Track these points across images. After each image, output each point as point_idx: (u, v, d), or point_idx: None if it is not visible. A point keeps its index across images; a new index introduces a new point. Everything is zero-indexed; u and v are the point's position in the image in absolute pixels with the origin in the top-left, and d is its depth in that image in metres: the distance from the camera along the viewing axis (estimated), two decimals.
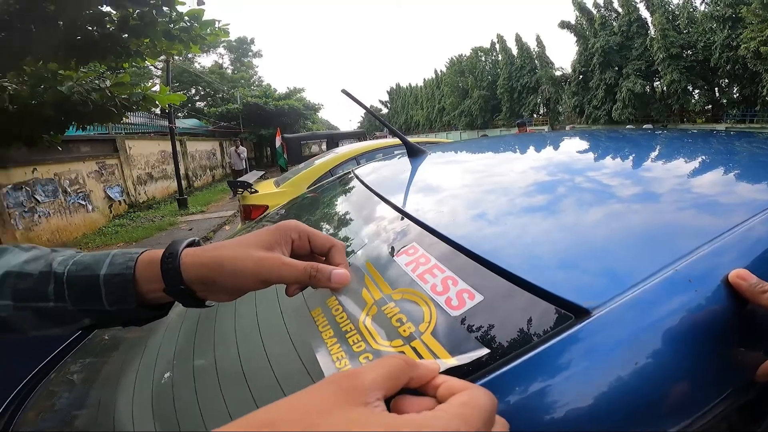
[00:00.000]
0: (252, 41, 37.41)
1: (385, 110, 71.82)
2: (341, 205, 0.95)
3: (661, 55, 24.69)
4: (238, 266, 0.43)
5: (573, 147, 1.04)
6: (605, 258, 0.42)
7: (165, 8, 4.66)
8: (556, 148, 1.04)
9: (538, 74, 35.84)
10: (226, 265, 0.44)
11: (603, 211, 0.52)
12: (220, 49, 35.66)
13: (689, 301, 0.35)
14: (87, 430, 0.66)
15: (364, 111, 1.10)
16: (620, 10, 28.27)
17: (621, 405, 0.31)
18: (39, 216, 6.85)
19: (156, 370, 0.74)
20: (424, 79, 58.43)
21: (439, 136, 29.51)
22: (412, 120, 58.82)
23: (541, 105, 36.95)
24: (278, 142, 12.15)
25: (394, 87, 70.87)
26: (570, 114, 33.30)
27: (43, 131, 5.38)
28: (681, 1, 25.43)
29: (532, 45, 36.77)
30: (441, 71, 52.49)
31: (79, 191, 7.89)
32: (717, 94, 25.40)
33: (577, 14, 30.53)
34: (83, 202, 7.98)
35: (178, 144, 11.45)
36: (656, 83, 28.01)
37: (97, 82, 5.30)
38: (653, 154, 0.86)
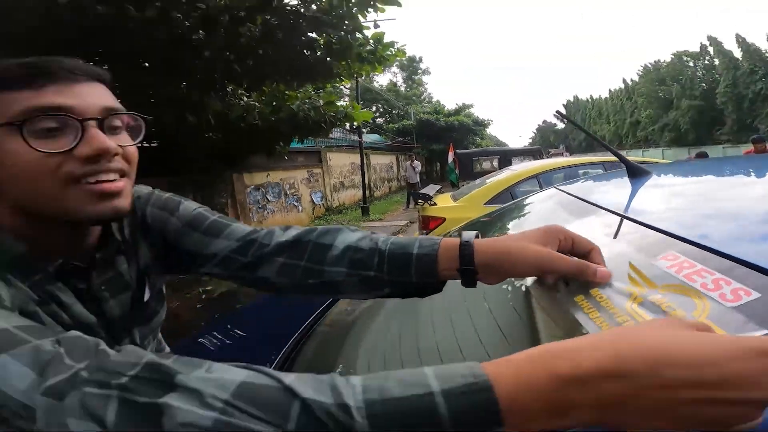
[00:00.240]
0: (420, 59, 38.00)
1: (560, 126, 66.35)
2: (559, 220, 1.00)
3: None
4: (522, 255, 0.54)
5: None
6: None
7: (356, 33, 5.15)
8: None
9: None
10: (513, 253, 0.55)
11: None
12: (394, 68, 36.90)
13: None
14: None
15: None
16: None
17: None
18: (267, 212, 8.82)
19: (378, 337, 0.97)
20: (610, 90, 51.97)
21: (631, 154, 25.46)
22: (596, 135, 52.21)
23: None
24: (450, 157, 12.36)
25: (572, 100, 65.05)
26: None
27: (276, 143, 6.57)
28: None
29: (763, 45, 28.75)
30: (632, 80, 45.98)
31: (294, 194, 9.82)
32: None
33: None
34: (296, 204, 9.91)
35: (364, 157, 13.03)
36: None
37: (313, 101, 6.20)
38: None
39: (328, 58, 5.37)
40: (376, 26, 5.22)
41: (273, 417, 0.30)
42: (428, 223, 4.31)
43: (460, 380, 0.30)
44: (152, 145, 5.58)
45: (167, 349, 0.84)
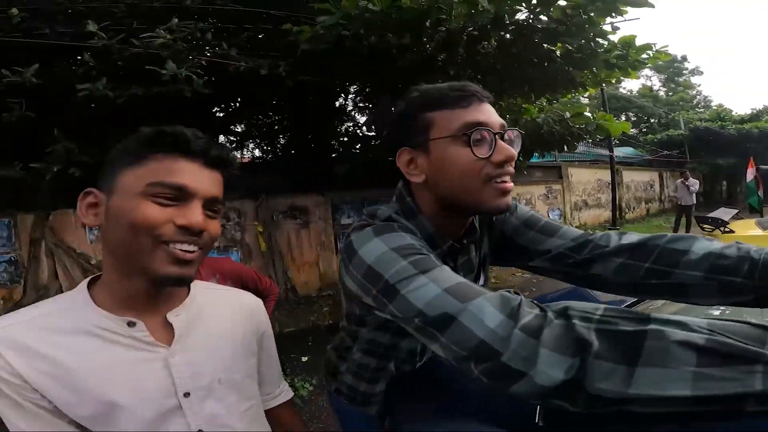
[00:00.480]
0: (684, 58, 32.37)
1: None
2: None
3: None
4: None
5: None
6: None
7: (598, 39, 4.74)
8: None
9: None
10: None
11: None
12: (646, 71, 32.10)
13: None
14: None
15: None
16: None
17: None
18: None
19: None
20: None
21: None
22: None
23: None
24: (750, 175, 9.41)
25: None
26: None
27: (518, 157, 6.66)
28: None
29: None
30: None
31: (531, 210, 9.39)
32: None
33: None
34: None
35: (614, 173, 11.22)
36: None
37: (558, 112, 5.86)
38: None
39: (569, 68, 5.15)
40: (615, 29, 4.76)
41: (751, 340, 0.40)
42: None
43: None
44: None
45: None
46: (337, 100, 7.41)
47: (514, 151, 0.69)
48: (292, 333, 4.60)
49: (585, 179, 11.60)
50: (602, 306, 0.46)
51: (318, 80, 4.91)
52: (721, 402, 0.39)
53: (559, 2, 4.20)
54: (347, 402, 0.97)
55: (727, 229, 3.66)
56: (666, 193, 16.42)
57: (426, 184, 0.73)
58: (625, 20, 4.74)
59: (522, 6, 4.23)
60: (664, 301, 1.20)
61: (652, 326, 0.42)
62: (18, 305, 4.64)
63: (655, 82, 33.67)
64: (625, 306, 1.21)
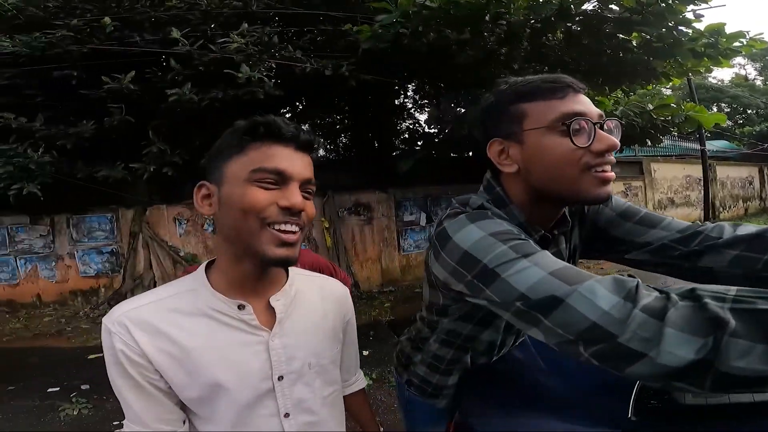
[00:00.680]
0: None
1: None
2: None
3: None
4: None
5: None
6: None
7: (681, 27, 4.45)
8: None
9: None
10: None
11: None
12: (740, 60, 28.04)
13: None
14: None
15: None
16: None
17: None
18: None
19: None
20: None
21: None
22: None
23: None
24: None
25: None
26: None
27: None
28: None
29: None
30: None
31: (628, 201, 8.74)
32: None
33: None
34: None
35: (707, 169, 10.06)
36: None
37: (641, 104, 5.45)
38: None
39: (648, 58, 4.87)
40: (699, 17, 4.48)
41: None
42: None
43: None
44: (469, 155, 6.21)
45: None
46: (398, 98, 7.45)
47: (617, 140, 0.68)
48: None
49: (671, 175, 10.53)
50: (733, 288, 0.46)
51: (379, 79, 4.97)
52: None
53: None
54: (417, 394, 0.98)
55: None
56: (767, 190, 14.41)
57: (518, 174, 0.73)
58: (710, 7, 4.36)
59: None
60: None
61: None
62: (117, 293, 5.26)
63: (750, 71, 29.77)
64: None
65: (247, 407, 0.70)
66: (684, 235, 0.77)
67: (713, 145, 17.57)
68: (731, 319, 0.43)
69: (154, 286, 5.15)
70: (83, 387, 3.35)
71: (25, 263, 5.38)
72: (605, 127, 0.69)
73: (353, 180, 6.01)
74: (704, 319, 0.44)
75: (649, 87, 6.17)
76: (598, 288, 0.51)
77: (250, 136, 0.67)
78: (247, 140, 0.67)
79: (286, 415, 0.72)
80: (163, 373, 0.67)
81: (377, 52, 4.45)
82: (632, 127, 5.24)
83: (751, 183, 14.43)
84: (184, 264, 5.22)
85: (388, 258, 6.18)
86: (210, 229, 5.43)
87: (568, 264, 0.58)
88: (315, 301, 0.80)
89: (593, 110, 0.69)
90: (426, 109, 7.91)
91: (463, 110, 4.94)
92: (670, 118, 5.41)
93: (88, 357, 3.96)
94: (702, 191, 9.88)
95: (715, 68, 5.32)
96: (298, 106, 6.67)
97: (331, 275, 2.29)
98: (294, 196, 0.65)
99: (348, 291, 0.90)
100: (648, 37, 4.57)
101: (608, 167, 0.69)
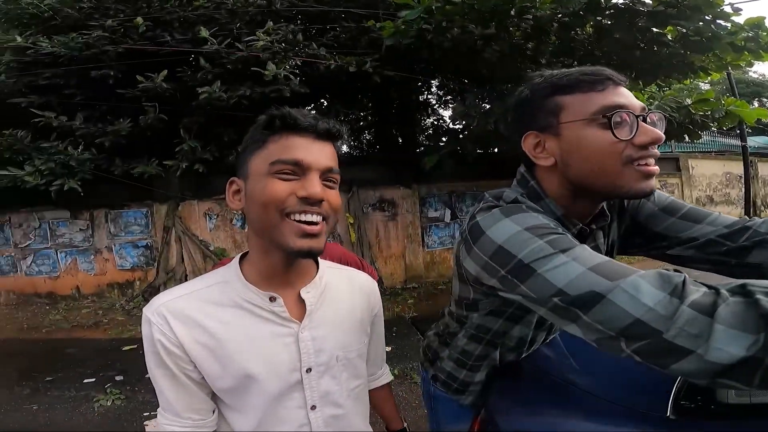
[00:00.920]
0: None
1: None
2: None
3: None
4: None
5: None
6: None
7: (719, 21, 4.29)
8: None
9: None
10: None
11: None
12: None
13: None
14: None
15: None
16: None
17: None
18: None
19: None
20: None
21: None
22: None
23: None
24: None
25: None
26: None
27: None
28: None
29: None
30: None
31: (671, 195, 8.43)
32: None
33: None
34: None
35: (748, 166, 9.53)
36: None
37: (678, 100, 5.30)
38: None
39: (685, 52, 4.72)
40: (737, 10, 4.34)
41: None
42: None
43: None
44: (495, 151, 6.11)
45: None
46: (422, 94, 7.40)
47: (661, 133, 0.66)
48: None
49: (710, 172, 10.03)
50: None
51: (402, 75, 4.95)
52: None
53: None
54: (443, 389, 0.97)
55: None
56: None
57: (555, 167, 0.72)
58: (749, 1, 4.18)
59: None
60: None
61: None
62: (151, 286, 5.46)
63: None
64: None
65: (275, 398, 0.71)
66: (732, 230, 0.74)
67: (755, 141, 16.56)
68: None
69: (185, 280, 5.28)
70: (117, 378, 3.46)
71: (65, 256, 5.66)
72: (648, 119, 0.67)
73: (378, 176, 6.02)
74: (757, 315, 0.43)
75: (687, 82, 5.88)
76: (642, 284, 0.50)
77: (269, 130, 0.68)
78: (267, 134, 0.68)
79: (313, 407, 0.73)
80: (197, 363, 0.69)
81: (401, 48, 4.43)
82: (669, 122, 5.10)
83: None
84: (214, 258, 5.37)
85: (412, 254, 6.16)
86: (238, 224, 5.56)
87: (609, 259, 0.57)
88: (344, 293, 0.81)
89: (635, 103, 0.67)
90: (450, 105, 7.83)
91: (488, 105, 4.87)
92: (709, 113, 5.20)
93: (123, 348, 4.11)
94: (743, 189, 9.37)
95: (756, 62, 5.13)
96: (323, 102, 6.74)
97: (359, 268, 2.30)
98: (312, 185, 0.65)
99: (376, 284, 0.90)
100: (684, 30, 4.40)
101: (652, 161, 0.67)
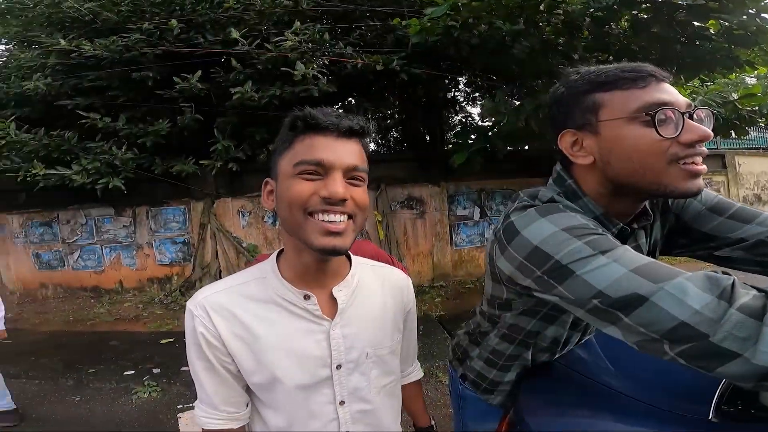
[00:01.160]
0: None
1: None
2: None
3: None
4: None
5: None
6: None
7: (764, 15, 4.03)
8: None
9: None
10: None
11: None
12: None
13: None
14: None
15: None
16: None
17: None
18: None
19: None
20: None
21: None
22: None
23: None
24: None
25: None
26: None
27: None
28: None
29: None
30: None
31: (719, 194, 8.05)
32: None
33: None
34: None
35: None
36: None
37: (725, 94, 5.03)
38: None
39: (729, 46, 4.50)
40: None
41: None
42: None
43: None
44: (525, 148, 5.98)
45: None
46: (449, 92, 7.31)
47: (709, 130, 0.64)
48: None
49: (758, 169, 9.43)
50: None
51: (430, 72, 4.91)
52: None
53: None
54: (471, 388, 0.97)
55: None
56: None
57: (594, 166, 0.71)
58: None
59: None
60: None
61: None
62: (187, 281, 5.67)
63: None
64: None
65: (305, 394, 0.72)
66: None
67: None
68: None
69: (220, 276, 5.44)
70: (155, 371, 3.56)
71: (109, 252, 5.96)
72: (695, 116, 0.65)
73: (406, 173, 6.01)
74: None
75: (732, 76, 5.58)
76: (688, 286, 0.49)
77: (294, 131, 0.69)
78: (292, 135, 0.69)
79: (341, 402, 0.74)
80: (234, 356, 0.71)
81: (427, 46, 4.39)
82: (715, 119, 4.87)
83: None
84: (246, 254, 5.52)
85: (440, 252, 6.12)
86: (270, 221, 5.69)
87: (652, 260, 0.56)
88: (376, 291, 0.81)
89: (680, 99, 0.65)
90: (478, 102, 7.71)
91: (519, 102, 4.77)
92: (756, 108, 4.95)
93: (161, 342, 4.25)
94: None
95: None
96: (350, 101, 6.79)
97: None
98: (334, 185, 0.65)
99: (410, 281, 0.90)
100: (727, 24, 4.18)
101: (699, 159, 0.65)
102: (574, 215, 0.65)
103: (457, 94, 7.95)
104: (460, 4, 3.90)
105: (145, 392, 3.23)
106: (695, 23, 4.26)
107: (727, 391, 0.64)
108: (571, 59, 4.49)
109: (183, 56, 4.67)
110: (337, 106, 6.62)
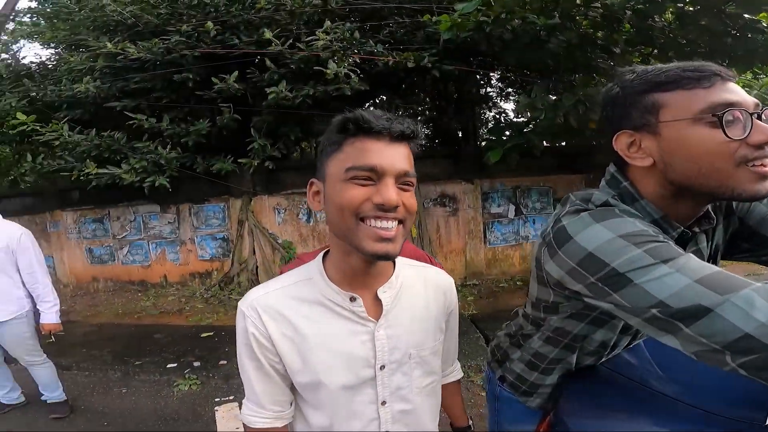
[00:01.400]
0: None
1: None
2: None
3: None
4: None
5: None
6: None
7: None
8: None
9: None
10: None
11: None
12: None
13: None
14: None
15: None
16: None
17: None
18: None
19: None
20: None
21: None
22: None
23: None
24: None
25: None
26: None
27: None
28: None
29: None
30: None
31: None
32: None
33: None
34: None
35: None
36: None
37: None
38: None
39: None
40: None
41: None
42: None
43: None
44: (563, 144, 5.78)
45: None
46: (482, 88, 7.16)
47: None
48: None
49: None
50: None
51: (462, 68, 4.82)
52: None
53: None
54: (510, 390, 0.95)
55: None
56: None
57: (653, 168, 0.68)
58: None
59: None
60: None
61: None
62: (226, 276, 5.88)
63: None
64: None
65: (348, 394, 0.73)
66: None
67: None
68: None
69: (257, 271, 5.55)
70: (195, 364, 3.66)
71: (155, 247, 6.27)
72: (764, 117, 0.63)
73: (439, 170, 5.95)
74: None
75: None
76: (756, 298, 0.47)
77: (344, 133, 0.68)
78: (342, 137, 0.68)
79: (383, 402, 0.75)
80: (282, 356, 0.72)
81: (458, 42, 4.32)
82: None
83: None
84: (282, 251, 5.66)
85: (473, 251, 6.04)
86: (304, 218, 5.80)
87: (718, 269, 0.54)
88: (419, 292, 0.81)
89: (748, 99, 0.63)
90: (512, 98, 7.52)
91: (555, 97, 4.62)
92: None
93: (201, 335, 4.38)
94: None
95: None
96: (383, 98, 6.79)
97: None
98: (387, 192, 0.65)
99: (452, 282, 0.90)
100: None
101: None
102: (633, 221, 0.63)
103: (489, 90, 7.80)
104: None
105: (185, 385, 3.33)
106: (746, 15, 4.02)
107: None
108: (611, 53, 4.33)
109: (220, 57, 4.83)
110: (368, 105, 6.64)
